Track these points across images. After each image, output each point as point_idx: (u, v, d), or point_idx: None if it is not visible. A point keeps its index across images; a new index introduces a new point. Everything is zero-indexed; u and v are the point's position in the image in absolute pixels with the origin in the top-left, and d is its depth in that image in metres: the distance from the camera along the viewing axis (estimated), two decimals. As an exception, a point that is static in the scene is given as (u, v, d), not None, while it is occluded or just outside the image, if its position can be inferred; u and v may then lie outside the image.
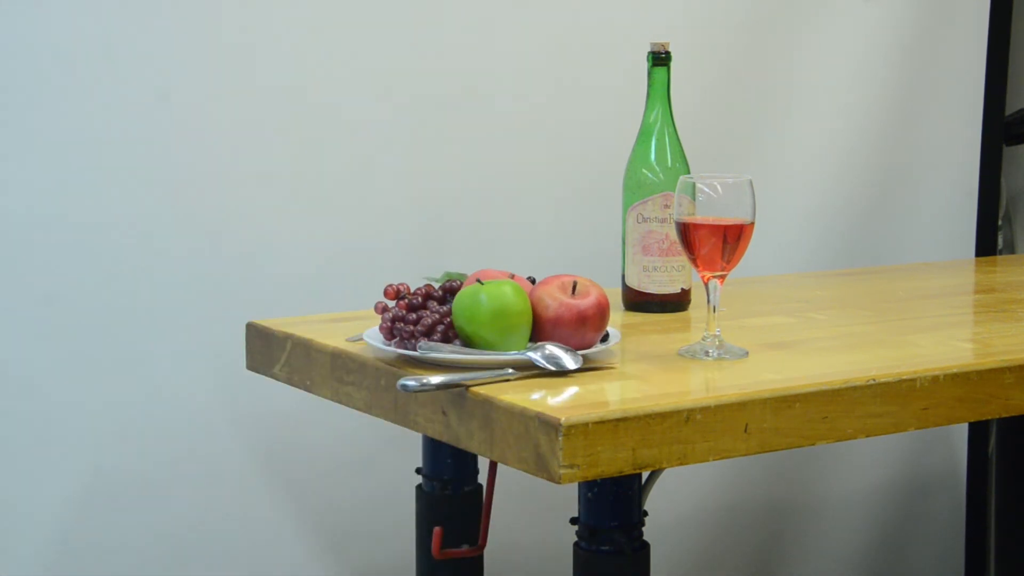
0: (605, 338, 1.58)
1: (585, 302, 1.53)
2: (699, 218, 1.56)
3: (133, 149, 2.06)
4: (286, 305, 2.02)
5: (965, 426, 2.77)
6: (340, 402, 1.63)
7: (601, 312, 1.53)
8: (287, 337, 1.71)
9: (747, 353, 1.57)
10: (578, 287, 1.54)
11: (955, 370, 1.53)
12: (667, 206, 1.84)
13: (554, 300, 1.53)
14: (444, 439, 1.47)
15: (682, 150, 1.87)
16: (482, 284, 1.51)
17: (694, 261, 1.57)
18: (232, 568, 2.17)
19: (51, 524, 2.07)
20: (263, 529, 2.19)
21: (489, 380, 1.44)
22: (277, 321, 1.79)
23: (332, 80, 2.19)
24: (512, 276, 1.56)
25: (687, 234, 1.56)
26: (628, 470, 1.34)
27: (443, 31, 2.26)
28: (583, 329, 1.53)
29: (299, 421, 2.18)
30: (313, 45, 2.17)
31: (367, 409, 1.58)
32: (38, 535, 2.06)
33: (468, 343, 1.51)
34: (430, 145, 2.27)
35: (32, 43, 1.99)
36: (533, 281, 1.60)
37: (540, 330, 1.53)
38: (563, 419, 1.31)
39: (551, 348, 1.49)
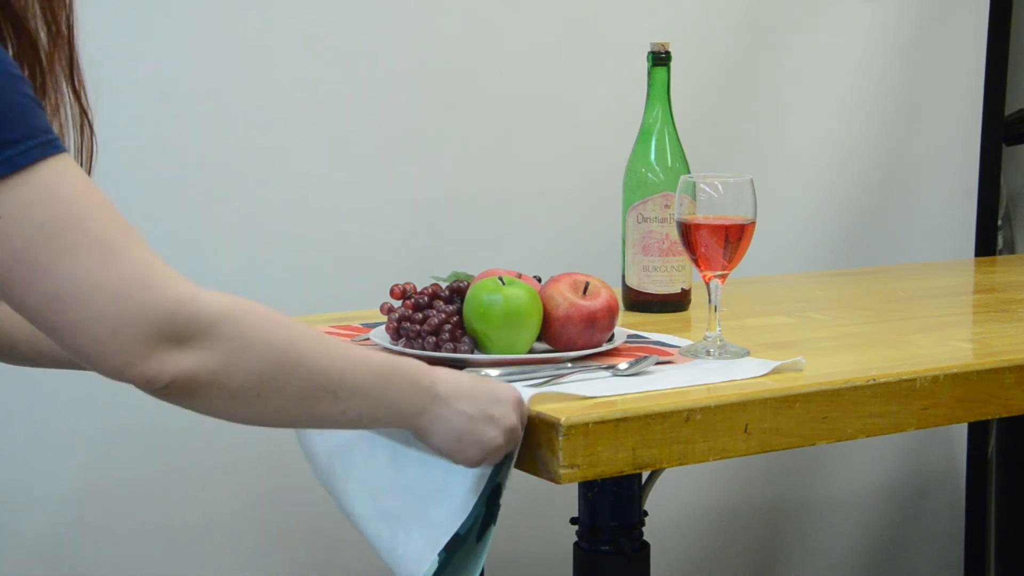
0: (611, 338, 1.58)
1: (595, 303, 1.53)
2: (700, 217, 1.55)
3: (133, 149, 2.05)
4: (286, 305, 2.01)
5: (964, 426, 2.77)
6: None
7: (611, 314, 1.54)
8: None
9: (748, 353, 1.57)
10: (589, 288, 1.54)
11: (955, 370, 1.53)
12: (667, 206, 1.84)
13: (565, 300, 1.53)
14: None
15: (682, 150, 1.87)
16: (503, 283, 1.51)
17: (696, 261, 1.57)
18: (232, 568, 2.17)
19: (51, 524, 2.06)
20: (263, 529, 2.19)
21: (545, 378, 1.44)
22: (277, 321, 1.78)
23: (333, 80, 2.19)
24: (520, 275, 1.56)
25: (688, 234, 1.56)
26: (628, 470, 1.34)
27: (444, 31, 2.26)
28: (592, 330, 1.53)
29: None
30: (314, 46, 2.17)
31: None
32: (37, 535, 2.06)
33: (475, 341, 1.51)
34: (431, 145, 2.26)
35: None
36: (539, 280, 1.60)
37: (549, 328, 1.53)
38: (563, 419, 1.31)
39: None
